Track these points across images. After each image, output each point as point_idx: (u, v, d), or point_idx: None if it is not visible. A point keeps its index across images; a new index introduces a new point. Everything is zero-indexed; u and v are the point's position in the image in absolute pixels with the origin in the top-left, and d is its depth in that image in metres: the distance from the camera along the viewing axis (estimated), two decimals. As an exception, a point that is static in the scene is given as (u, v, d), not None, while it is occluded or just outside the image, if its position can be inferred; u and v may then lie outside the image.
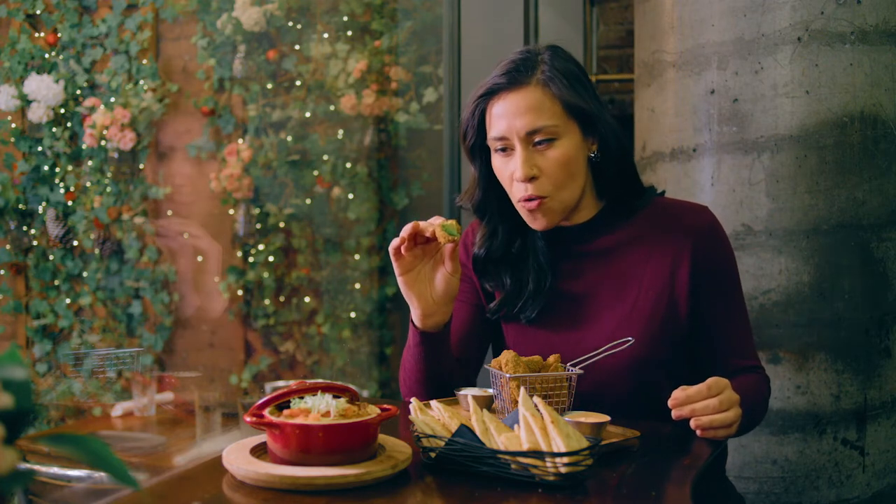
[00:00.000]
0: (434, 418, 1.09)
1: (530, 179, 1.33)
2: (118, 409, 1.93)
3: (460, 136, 1.44)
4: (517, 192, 1.36)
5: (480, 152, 1.43)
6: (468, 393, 1.26)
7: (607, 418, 1.12)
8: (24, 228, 3.63)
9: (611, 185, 1.42)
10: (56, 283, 3.61)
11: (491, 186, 1.43)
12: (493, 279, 1.47)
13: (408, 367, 1.39)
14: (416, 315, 1.33)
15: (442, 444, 1.03)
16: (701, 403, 1.18)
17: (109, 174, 3.56)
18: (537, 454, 0.95)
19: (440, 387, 1.37)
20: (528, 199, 1.34)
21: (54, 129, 3.58)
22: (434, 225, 1.24)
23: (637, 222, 1.42)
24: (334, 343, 3.46)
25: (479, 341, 1.52)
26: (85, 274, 3.58)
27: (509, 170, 1.35)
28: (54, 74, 3.58)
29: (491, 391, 1.27)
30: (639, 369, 1.34)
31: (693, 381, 1.26)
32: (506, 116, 1.33)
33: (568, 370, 1.21)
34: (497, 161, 1.38)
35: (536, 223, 1.37)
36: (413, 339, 1.35)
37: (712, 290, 1.38)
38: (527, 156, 1.33)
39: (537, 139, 1.32)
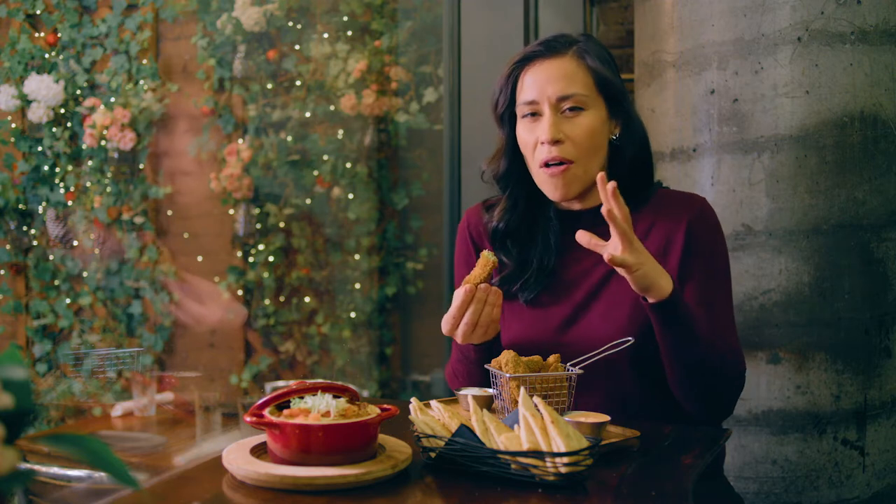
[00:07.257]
0: (434, 418, 1.09)
1: (555, 142, 1.35)
2: (118, 409, 1.92)
3: (491, 103, 1.46)
4: (540, 155, 1.38)
5: (510, 120, 1.45)
6: (468, 393, 1.26)
7: (607, 418, 1.12)
8: (24, 228, 3.63)
9: (623, 172, 1.44)
10: (56, 283, 3.61)
11: (517, 156, 1.45)
12: (508, 254, 1.48)
13: (463, 377, 1.42)
14: (477, 339, 1.33)
15: (442, 444, 1.03)
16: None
17: (109, 174, 3.55)
18: (537, 454, 0.95)
19: None
20: (552, 164, 1.36)
21: (54, 129, 3.58)
22: (489, 259, 1.27)
23: (639, 211, 1.44)
24: (334, 343, 3.46)
25: None
26: (85, 274, 3.58)
27: (535, 134, 1.38)
28: (54, 74, 3.58)
29: (491, 391, 1.27)
30: (632, 359, 1.34)
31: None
32: (539, 81, 1.37)
33: (568, 370, 1.21)
34: (523, 127, 1.41)
35: (557, 191, 1.39)
36: (474, 355, 1.35)
37: (697, 271, 1.37)
38: (555, 120, 1.36)
39: (567, 106, 1.36)
